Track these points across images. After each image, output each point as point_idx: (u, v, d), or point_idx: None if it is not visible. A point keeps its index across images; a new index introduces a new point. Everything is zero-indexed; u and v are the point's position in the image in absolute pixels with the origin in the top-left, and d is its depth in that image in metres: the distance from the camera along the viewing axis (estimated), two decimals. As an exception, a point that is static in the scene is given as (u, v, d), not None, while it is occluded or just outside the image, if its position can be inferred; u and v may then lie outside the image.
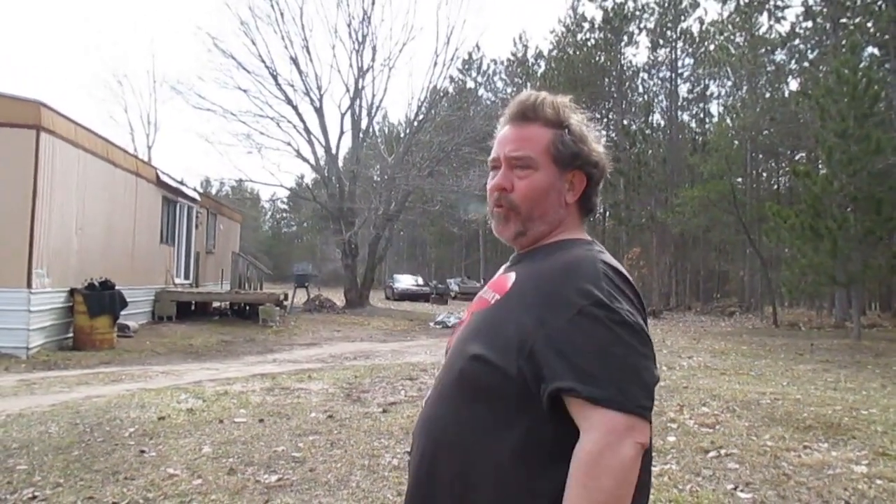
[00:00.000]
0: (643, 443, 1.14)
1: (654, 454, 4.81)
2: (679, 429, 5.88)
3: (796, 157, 28.99)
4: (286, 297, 19.61)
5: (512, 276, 1.35)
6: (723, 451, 5.14)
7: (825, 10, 22.60)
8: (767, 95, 28.61)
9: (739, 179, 29.18)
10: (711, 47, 32.14)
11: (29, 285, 10.06)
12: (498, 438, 1.22)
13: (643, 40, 37.23)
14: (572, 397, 1.15)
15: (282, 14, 23.44)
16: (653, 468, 4.62)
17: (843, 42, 19.10)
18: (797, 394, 7.87)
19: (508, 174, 1.37)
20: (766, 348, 14.43)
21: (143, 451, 4.91)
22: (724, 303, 28.98)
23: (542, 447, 1.19)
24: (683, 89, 37.18)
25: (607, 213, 40.41)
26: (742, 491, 4.34)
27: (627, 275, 1.28)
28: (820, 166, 20.50)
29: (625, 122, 36.44)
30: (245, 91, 23.99)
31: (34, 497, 3.98)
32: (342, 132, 25.11)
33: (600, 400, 1.13)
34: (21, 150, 10.09)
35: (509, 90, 44.52)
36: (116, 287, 11.68)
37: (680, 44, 35.52)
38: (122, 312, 11.87)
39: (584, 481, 1.12)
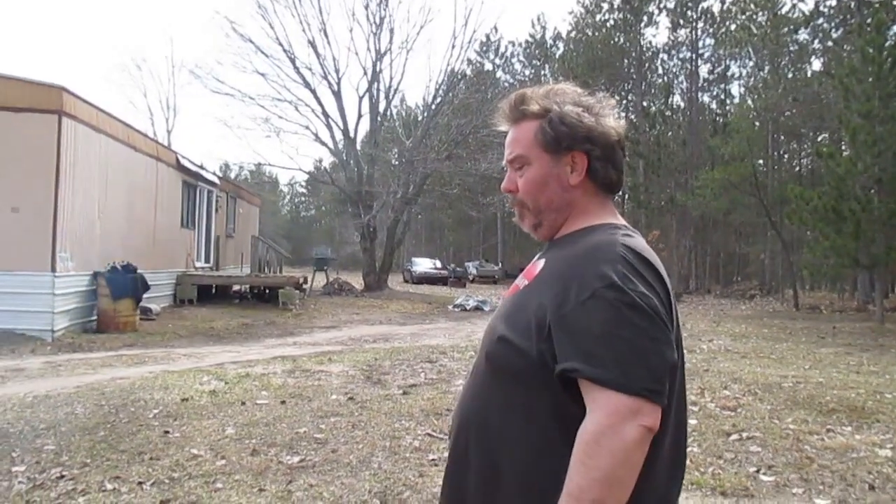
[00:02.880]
0: (649, 426, 1.14)
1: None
2: (700, 412, 5.86)
3: (819, 139, 28.59)
4: (305, 281, 19.71)
5: (541, 263, 1.38)
6: (745, 434, 5.13)
7: (850, -13, 22.19)
8: (790, 75, 28.18)
9: (761, 161, 28.85)
10: (733, 27, 31.67)
11: (53, 269, 10.18)
12: (524, 419, 1.25)
13: (663, 20, 36.71)
14: (579, 378, 1.17)
15: (299, -3, 23.34)
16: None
17: (869, 20, 18.72)
18: (819, 377, 7.82)
19: (512, 176, 1.44)
20: (787, 331, 14.32)
21: (167, 432, 4.97)
22: (745, 286, 28.77)
23: (569, 429, 1.18)
24: (704, 70, 36.69)
25: (626, 196, 40.21)
26: (764, 474, 4.32)
27: (652, 258, 1.27)
28: (843, 147, 20.20)
29: (644, 103, 36.05)
30: (263, 75, 24.01)
31: (62, 476, 4.05)
32: (360, 115, 25.08)
33: (604, 381, 1.14)
34: (44, 134, 10.18)
35: (527, 72, 44.21)
36: (138, 270, 11.80)
37: (700, 24, 35.01)
38: (145, 296, 12.00)
39: (584, 459, 1.14)
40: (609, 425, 1.12)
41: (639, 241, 1.32)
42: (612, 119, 1.39)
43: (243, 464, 4.29)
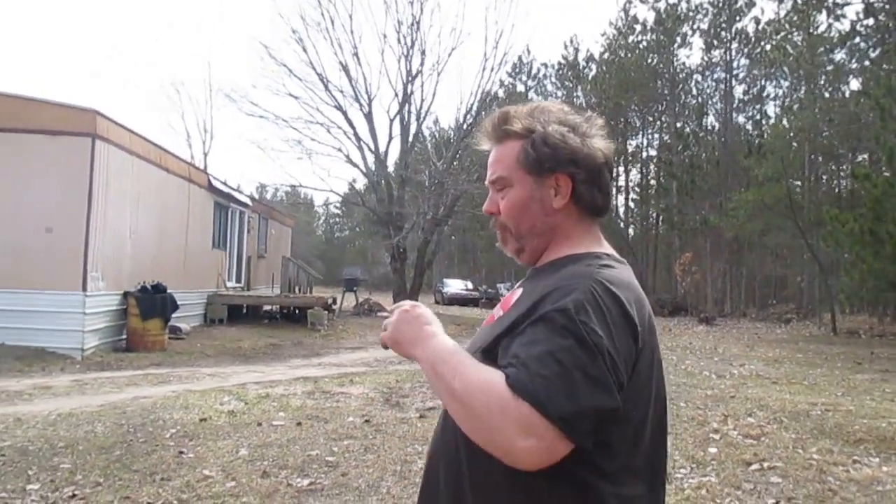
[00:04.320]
0: (540, 450, 1.06)
1: (692, 465, 4.66)
2: (722, 440, 5.73)
3: (857, 160, 28.00)
4: (335, 301, 19.81)
5: (519, 292, 1.34)
6: (766, 464, 4.99)
7: (887, 6, 21.80)
8: (826, 96, 27.73)
9: (798, 182, 28.33)
10: (768, 47, 31.27)
11: (84, 288, 10.38)
12: (475, 454, 1.19)
13: (697, 41, 36.68)
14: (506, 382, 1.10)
15: (332, 22, 23.66)
16: (692, 481, 4.51)
17: (907, 40, 18.39)
18: (850, 405, 7.59)
19: (494, 197, 1.39)
20: (823, 356, 13.97)
21: (181, 453, 5.00)
22: (781, 309, 28.12)
23: None
24: (739, 91, 36.24)
25: (660, 218, 39.79)
26: (783, 506, 4.20)
27: (624, 296, 1.20)
28: (882, 168, 19.76)
29: (678, 124, 35.78)
30: (296, 98, 24.29)
31: (74, 496, 4.09)
32: (391, 137, 25.26)
33: (522, 392, 1.06)
34: (77, 157, 10.44)
35: (560, 94, 44.18)
36: (168, 290, 11.97)
37: (735, 44, 34.65)
38: (174, 315, 12.16)
39: (475, 378, 1.12)
40: (509, 416, 1.06)
41: (617, 274, 1.25)
42: (599, 140, 1.34)
43: (253, 486, 4.29)
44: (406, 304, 1.36)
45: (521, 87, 42.63)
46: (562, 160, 1.30)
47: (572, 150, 1.30)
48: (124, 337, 11.55)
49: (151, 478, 4.43)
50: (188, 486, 4.26)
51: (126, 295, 11.52)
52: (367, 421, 6.13)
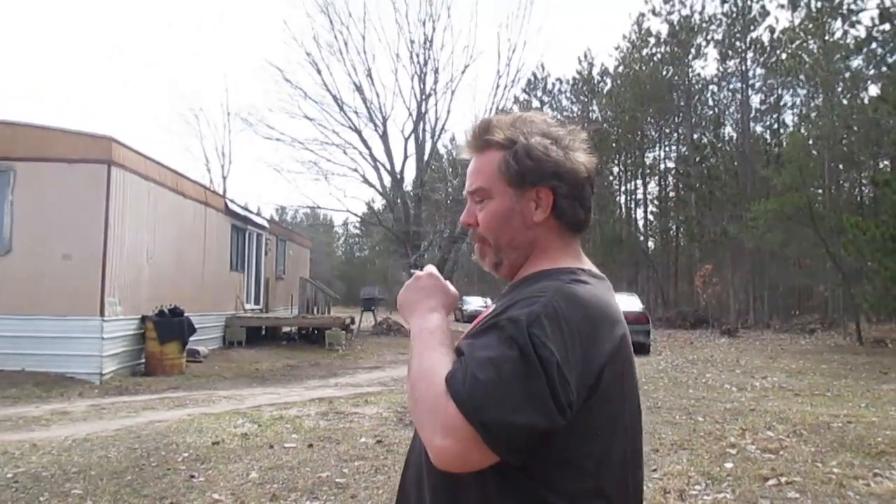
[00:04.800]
0: (460, 455, 1.05)
1: (707, 481, 4.58)
2: (739, 455, 5.63)
3: (879, 166, 27.65)
4: (353, 321, 19.82)
5: (491, 308, 1.31)
6: (783, 479, 4.89)
7: (903, 11, 21.58)
8: (844, 103, 27.45)
9: (820, 191, 28.02)
10: (783, 56, 31.11)
11: (102, 313, 10.46)
12: (457, 475, 1.17)
13: (711, 52, 36.32)
14: None
15: (345, 43, 23.95)
16: (706, 497, 4.43)
17: (924, 44, 18.18)
18: (873, 416, 7.45)
19: (472, 208, 1.35)
20: (848, 367, 13.74)
21: (192, 477, 5.00)
22: (805, 320, 27.70)
23: (505, 478, 1.11)
24: (755, 100, 36.04)
25: (680, 230, 39.51)
26: (801, 522, 4.10)
27: (589, 314, 1.16)
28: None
29: (695, 136, 35.62)
30: (311, 120, 24.55)
31: (82, 522, 4.09)
32: (406, 156, 25.40)
33: (452, 388, 1.06)
34: (94, 183, 10.57)
35: (575, 108, 44.21)
36: (186, 314, 12.04)
37: (750, 54, 34.49)
38: (192, 338, 12.23)
39: (423, 368, 1.13)
40: (437, 410, 1.06)
41: (589, 290, 1.21)
42: (582, 153, 1.30)
43: (261, 509, 4.27)
44: (425, 270, 1.36)
45: (536, 103, 42.67)
46: (544, 173, 1.27)
47: (555, 164, 1.27)
48: (143, 361, 11.62)
49: (160, 502, 4.42)
50: (196, 511, 4.25)
51: (144, 319, 11.60)
52: (378, 441, 6.10)
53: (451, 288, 1.35)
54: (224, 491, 4.66)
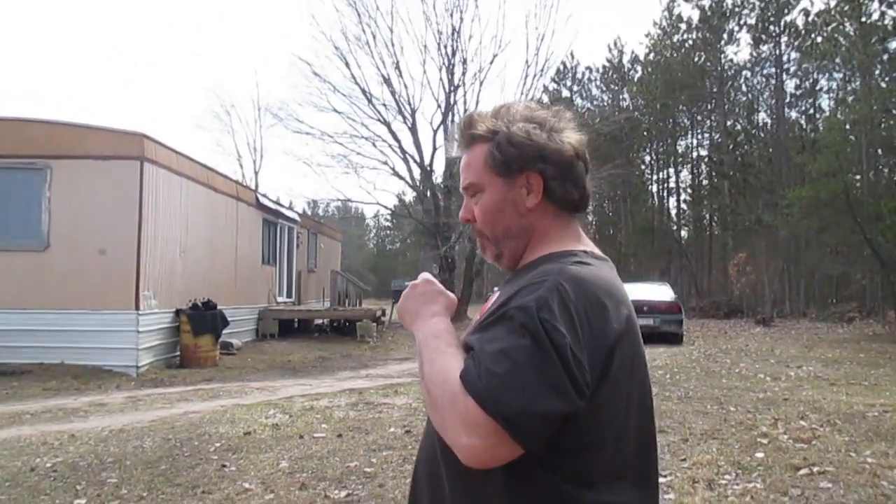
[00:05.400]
0: (482, 449, 1.05)
1: (737, 471, 4.54)
2: (770, 444, 5.56)
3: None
4: (384, 313, 19.94)
5: (496, 295, 1.32)
6: (815, 469, 4.82)
7: (943, -9, 21.02)
8: (883, 86, 26.79)
9: (858, 176, 27.43)
10: (819, 39, 30.46)
11: (137, 307, 10.67)
12: (452, 454, 1.15)
13: (744, 37, 35.60)
14: None
15: (373, 36, 24.02)
16: (736, 487, 4.39)
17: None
18: (911, 405, 7.30)
19: (468, 204, 1.36)
20: (886, 356, 13.46)
21: (223, 466, 5.09)
22: (842, 308, 27.16)
23: (513, 474, 1.11)
24: (790, 85, 35.29)
25: (713, 219, 38.98)
26: (833, 512, 4.05)
27: (596, 294, 1.16)
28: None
29: (728, 123, 35.05)
30: (340, 113, 24.73)
31: (117, 510, 4.20)
32: (435, 148, 25.44)
33: (468, 388, 1.06)
34: (127, 180, 10.76)
35: (605, 97, 43.81)
36: (219, 307, 12.22)
37: (784, 38, 33.78)
38: (225, 331, 12.41)
39: (437, 371, 1.13)
40: (457, 410, 1.06)
41: (593, 271, 1.21)
42: (568, 133, 1.30)
43: (291, 498, 4.34)
44: (420, 278, 1.36)
45: (565, 93, 42.36)
46: (529, 158, 1.27)
47: (539, 147, 1.27)
48: (177, 354, 11.83)
49: (193, 491, 4.51)
50: (228, 499, 4.33)
51: (178, 312, 11.80)
52: (407, 431, 6.14)
53: (449, 293, 1.35)
54: (254, 480, 4.74)
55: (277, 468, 5.02)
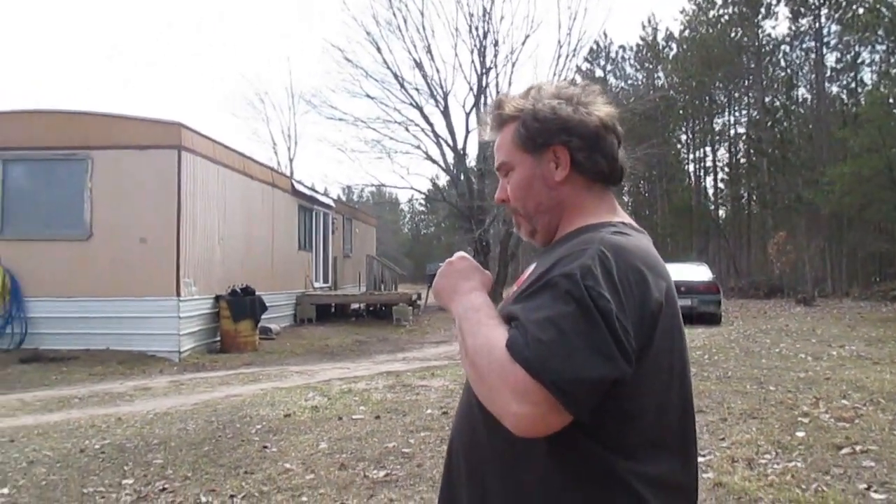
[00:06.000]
0: (532, 416, 1.05)
1: (777, 450, 4.50)
2: (811, 423, 5.49)
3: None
4: (419, 297, 20.03)
5: (532, 267, 1.33)
6: (858, 448, 4.76)
7: None
8: (928, 57, 26.06)
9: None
10: (860, 11, 29.64)
11: (178, 293, 10.88)
12: (493, 425, 1.17)
13: (782, 11, 34.77)
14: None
15: (404, 20, 23.97)
16: (776, 466, 4.36)
17: None
18: (958, 384, 7.14)
19: (503, 184, 1.39)
20: (933, 334, 13.15)
21: (265, 447, 5.19)
22: (886, 287, 26.50)
23: (555, 442, 1.12)
24: (831, 59, 34.34)
25: (752, 198, 38.31)
26: (876, 491, 4.00)
27: (636, 262, 1.17)
28: None
29: (766, 99, 34.31)
30: (373, 98, 24.76)
31: (164, 489, 4.32)
32: (468, 131, 25.35)
33: (516, 356, 1.05)
34: (165, 169, 10.95)
35: (640, 76, 43.21)
36: (257, 292, 12.41)
37: (824, 10, 32.90)
38: (263, 316, 12.61)
39: (483, 346, 1.12)
40: (506, 379, 1.06)
41: (629, 241, 1.22)
42: (597, 105, 1.32)
43: (330, 478, 4.41)
44: (455, 255, 1.38)
45: (599, 72, 41.88)
46: (553, 131, 1.29)
47: (563, 120, 1.29)
48: (218, 339, 12.05)
49: (236, 471, 4.62)
50: (269, 479, 4.42)
51: (218, 298, 12.01)
52: (444, 412, 6.19)
53: (485, 270, 1.36)
54: (295, 461, 4.83)
55: (317, 449, 5.11)
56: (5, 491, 4.37)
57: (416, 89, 24.66)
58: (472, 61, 25.04)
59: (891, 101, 26.32)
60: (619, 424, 1.14)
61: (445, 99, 24.72)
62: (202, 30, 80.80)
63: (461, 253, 1.40)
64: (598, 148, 1.30)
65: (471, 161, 26.35)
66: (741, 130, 39.18)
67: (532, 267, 1.34)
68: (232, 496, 4.14)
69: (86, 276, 10.90)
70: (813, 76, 34.51)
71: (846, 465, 4.46)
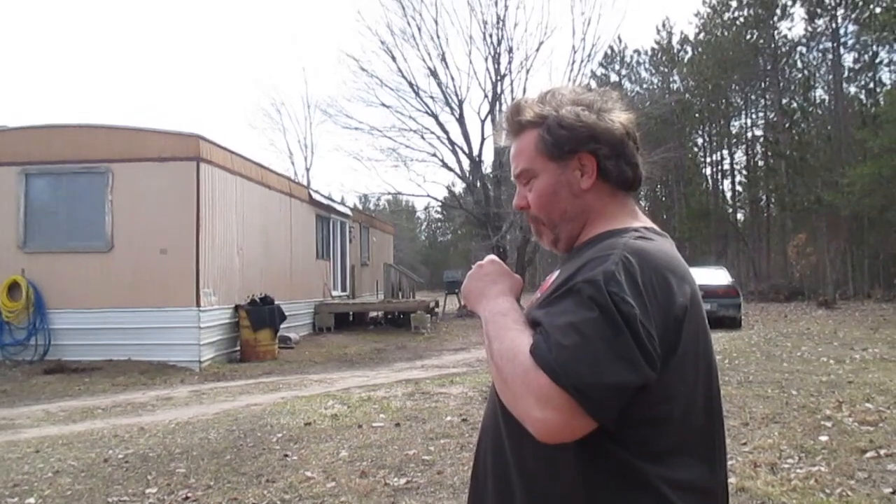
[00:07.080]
0: (555, 422, 1.05)
1: (801, 454, 4.46)
2: (834, 427, 5.44)
3: None
4: (437, 305, 20.06)
5: (555, 274, 1.33)
6: (882, 452, 4.71)
7: None
8: (947, 56, 25.76)
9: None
10: (877, 10, 29.36)
11: (198, 304, 10.97)
12: (519, 433, 1.17)
13: (798, 12, 34.55)
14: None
15: (418, 29, 24.08)
16: (799, 470, 4.33)
17: None
18: (984, 386, 7.04)
19: (522, 191, 1.38)
20: (958, 336, 12.97)
21: (286, 455, 5.22)
22: (910, 288, 26.31)
23: (581, 443, 1.11)
24: (848, 59, 34.01)
25: (770, 200, 38.01)
26: (901, 495, 3.96)
27: (660, 266, 1.17)
28: None
29: (783, 101, 34.06)
30: (388, 107, 24.88)
31: (187, 498, 4.36)
32: (483, 138, 25.40)
33: (538, 361, 1.06)
34: (184, 180, 11.07)
35: (655, 80, 43.04)
36: (276, 302, 12.48)
37: (841, 10, 32.61)
38: (283, 325, 12.68)
39: (506, 347, 1.13)
40: (529, 384, 1.06)
41: (652, 245, 1.22)
42: (617, 112, 1.32)
43: (351, 486, 4.43)
44: (486, 259, 1.39)
45: (614, 77, 41.74)
46: (581, 139, 1.29)
47: (589, 127, 1.28)
48: (237, 348, 12.13)
49: (257, 480, 4.65)
50: (291, 487, 4.45)
51: (237, 308, 12.10)
52: (464, 420, 6.19)
53: (515, 274, 1.37)
54: (316, 469, 4.85)
55: (338, 457, 5.14)
56: (31, 501, 4.43)
57: (431, 97, 24.77)
58: (487, 68, 25.11)
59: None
60: (645, 430, 1.14)
61: (460, 106, 24.82)
62: (218, 43, 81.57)
63: (492, 256, 1.42)
64: (623, 155, 1.31)
65: (487, 168, 26.40)
66: (758, 133, 38.95)
67: (555, 273, 1.33)
68: (254, 504, 4.17)
69: (107, 287, 11.02)
70: (830, 77, 34.20)
71: (871, 468, 4.41)
